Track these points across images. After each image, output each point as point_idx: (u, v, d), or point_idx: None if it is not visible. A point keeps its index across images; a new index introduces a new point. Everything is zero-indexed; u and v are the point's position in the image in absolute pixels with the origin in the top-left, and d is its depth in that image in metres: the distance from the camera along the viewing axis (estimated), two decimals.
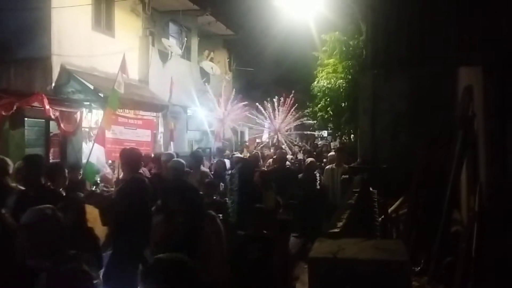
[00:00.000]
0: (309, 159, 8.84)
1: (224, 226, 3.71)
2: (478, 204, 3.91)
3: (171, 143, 12.22)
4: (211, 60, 17.57)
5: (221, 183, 6.88)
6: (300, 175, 8.01)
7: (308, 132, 19.84)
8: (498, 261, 3.60)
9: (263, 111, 15.49)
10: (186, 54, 16.15)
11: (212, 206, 4.51)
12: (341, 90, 10.64)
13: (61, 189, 4.53)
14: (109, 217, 4.42)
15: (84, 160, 8.12)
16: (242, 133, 20.57)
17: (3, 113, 7.48)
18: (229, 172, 7.00)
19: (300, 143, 17.89)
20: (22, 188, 4.32)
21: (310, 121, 15.05)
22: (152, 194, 4.44)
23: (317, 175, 7.91)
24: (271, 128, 15.92)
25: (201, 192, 4.02)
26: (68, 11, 9.79)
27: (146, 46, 13.15)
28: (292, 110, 15.62)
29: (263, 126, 16.32)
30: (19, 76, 9.69)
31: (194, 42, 16.83)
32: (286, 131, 16.07)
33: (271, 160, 9.81)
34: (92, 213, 4.37)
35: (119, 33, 11.99)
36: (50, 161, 8.69)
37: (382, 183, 5.51)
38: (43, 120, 8.92)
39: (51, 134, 9.37)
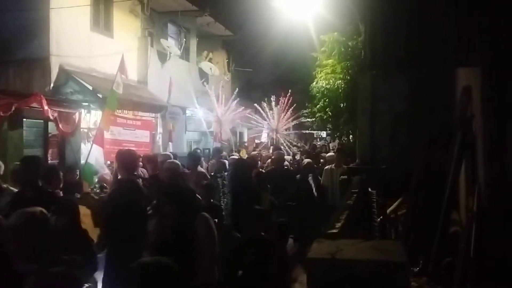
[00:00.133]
0: (306, 160, 8.82)
1: (219, 229, 3.69)
2: (476, 204, 3.91)
3: (170, 143, 12.22)
4: (210, 60, 17.57)
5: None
6: (297, 176, 7.97)
7: (307, 131, 19.80)
8: (497, 261, 3.60)
9: (261, 111, 15.46)
10: (185, 54, 16.15)
11: (209, 209, 4.46)
12: (340, 90, 10.65)
13: (57, 191, 4.52)
14: (100, 219, 4.36)
15: (82, 161, 8.12)
16: (241, 133, 20.57)
17: (2, 114, 7.48)
18: (225, 174, 6.96)
19: (298, 144, 17.86)
20: (13, 189, 4.29)
21: (309, 119, 14.97)
22: (148, 196, 4.42)
23: (310, 178, 7.58)
24: (269, 128, 15.87)
25: (197, 194, 4.01)
26: (66, 12, 9.79)
27: (145, 47, 13.15)
28: (290, 109, 15.50)
29: (262, 126, 16.27)
30: (18, 76, 9.68)
31: (193, 43, 16.83)
32: (285, 131, 16.03)
33: (269, 160, 9.79)
34: (89, 214, 4.36)
35: (117, 33, 11.99)
36: (49, 162, 8.69)
37: (381, 184, 5.51)
38: (42, 120, 8.92)
39: (49, 135, 9.37)
